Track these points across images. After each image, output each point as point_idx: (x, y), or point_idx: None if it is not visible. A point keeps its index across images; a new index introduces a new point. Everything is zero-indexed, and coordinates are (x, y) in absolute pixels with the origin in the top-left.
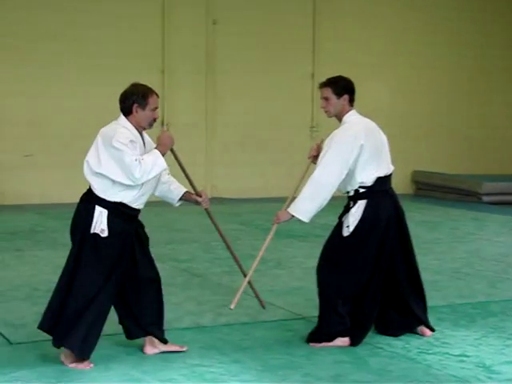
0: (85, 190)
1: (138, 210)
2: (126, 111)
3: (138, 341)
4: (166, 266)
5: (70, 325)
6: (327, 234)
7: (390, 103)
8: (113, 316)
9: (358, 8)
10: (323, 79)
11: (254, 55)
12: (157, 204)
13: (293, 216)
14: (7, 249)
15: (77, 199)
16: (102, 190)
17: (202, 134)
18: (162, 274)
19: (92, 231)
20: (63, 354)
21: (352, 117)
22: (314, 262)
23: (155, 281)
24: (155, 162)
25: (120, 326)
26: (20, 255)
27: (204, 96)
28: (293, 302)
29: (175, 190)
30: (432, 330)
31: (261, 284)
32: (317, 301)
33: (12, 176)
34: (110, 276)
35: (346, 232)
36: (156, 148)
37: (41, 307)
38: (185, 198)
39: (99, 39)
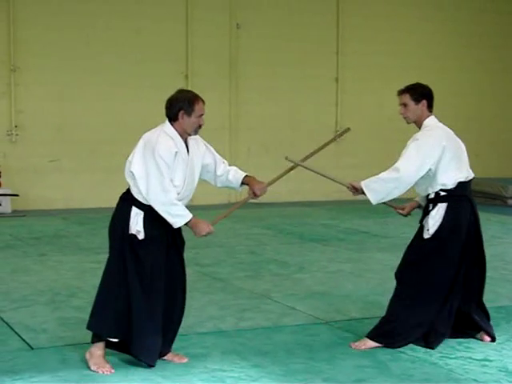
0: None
1: None
2: (172, 117)
3: None
4: (190, 271)
5: (141, 333)
6: (350, 237)
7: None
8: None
9: (382, 9)
10: (347, 82)
11: (277, 58)
12: None
13: (363, 192)
14: (31, 253)
15: (101, 204)
16: (138, 192)
17: (225, 138)
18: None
19: (130, 232)
20: (89, 352)
21: (432, 121)
22: (336, 266)
23: (184, 291)
24: (178, 214)
25: None
26: (43, 260)
27: (228, 100)
28: (315, 306)
29: (233, 178)
30: (493, 339)
31: (283, 288)
32: (339, 305)
33: (37, 181)
34: (153, 280)
35: (426, 235)
36: (192, 218)
37: (62, 312)
38: (245, 182)
39: (123, 44)
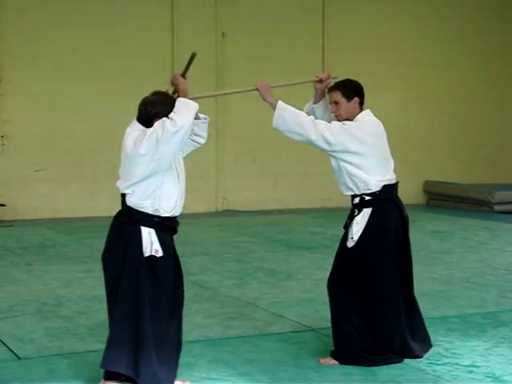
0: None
1: (177, 222)
2: (145, 122)
3: None
4: None
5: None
6: (336, 244)
7: (401, 112)
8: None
9: (368, 18)
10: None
11: (263, 67)
12: None
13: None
14: (18, 263)
15: (88, 213)
16: (143, 197)
17: (212, 146)
18: None
19: (146, 255)
20: None
21: (366, 117)
22: (324, 274)
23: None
24: (188, 105)
25: None
26: (30, 270)
27: (214, 108)
28: (302, 313)
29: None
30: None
31: (271, 296)
32: (326, 312)
33: (24, 190)
34: (173, 298)
35: (350, 243)
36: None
37: (50, 322)
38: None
39: (109, 52)
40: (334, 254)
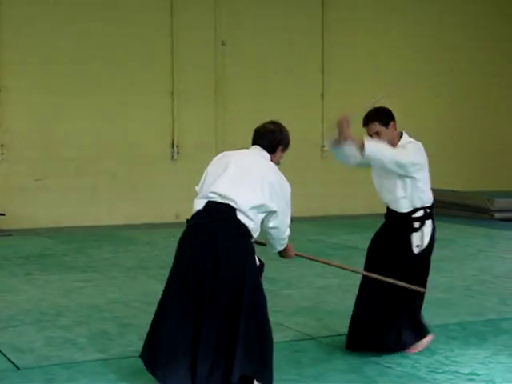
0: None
1: None
2: (270, 149)
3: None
4: None
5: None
6: (337, 253)
7: (400, 121)
8: None
9: (367, 27)
10: (333, 98)
11: (262, 75)
12: (166, 226)
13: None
14: (18, 273)
15: (87, 222)
16: (256, 228)
17: (212, 155)
18: None
19: (257, 264)
20: None
21: (409, 138)
22: (324, 282)
23: None
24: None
25: None
26: (30, 279)
27: (214, 117)
28: (303, 322)
29: None
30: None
31: (271, 304)
32: (326, 321)
33: (23, 200)
34: None
35: (416, 250)
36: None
37: (49, 331)
38: None
39: (109, 61)
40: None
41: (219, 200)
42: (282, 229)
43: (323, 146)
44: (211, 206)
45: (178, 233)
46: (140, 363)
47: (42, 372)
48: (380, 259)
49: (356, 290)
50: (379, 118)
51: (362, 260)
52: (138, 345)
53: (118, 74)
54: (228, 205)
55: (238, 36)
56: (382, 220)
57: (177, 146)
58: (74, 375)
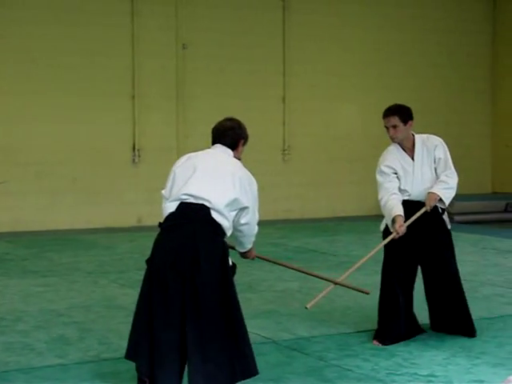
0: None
1: None
2: (232, 146)
3: None
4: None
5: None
6: (298, 256)
7: (362, 125)
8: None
9: (327, 30)
10: (294, 102)
11: (224, 79)
12: (128, 230)
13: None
14: None
15: (48, 227)
16: (229, 226)
17: (173, 159)
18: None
19: (230, 264)
20: None
21: (424, 135)
22: (284, 285)
23: None
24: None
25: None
26: None
27: (175, 120)
28: (263, 325)
29: None
30: None
31: None
32: (286, 324)
33: None
34: None
35: (449, 226)
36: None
37: (7, 337)
38: None
39: (70, 64)
40: (296, 264)
41: (193, 201)
42: (252, 225)
43: (285, 150)
44: (185, 207)
45: (140, 237)
46: (99, 368)
47: (0, 378)
48: (419, 246)
49: (316, 293)
50: (400, 114)
51: (323, 263)
52: (98, 350)
53: (79, 76)
54: (202, 205)
55: (199, 40)
56: (342, 223)
57: (138, 150)
58: (32, 380)
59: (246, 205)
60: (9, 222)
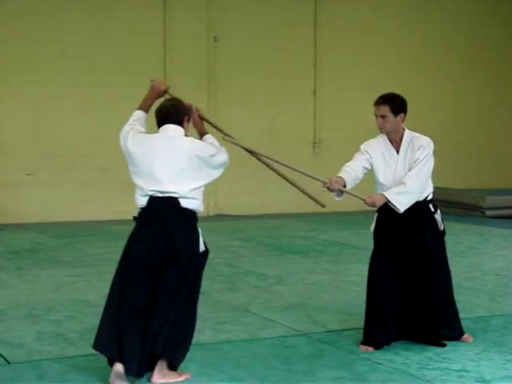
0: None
1: None
2: (178, 122)
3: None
4: None
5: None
6: (328, 249)
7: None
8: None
9: (360, 21)
10: (325, 94)
11: (255, 70)
12: None
13: (388, 201)
14: (8, 268)
15: (78, 217)
16: (199, 204)
17: None
18: None
19: (201, 250)
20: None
21: (414, 133)
22: (315, 278)
23: None
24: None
25: None
26: (20, 274)
27: (206, 112)
28: (293, 318)
29: None
30: None
31: (262, 300)
32: (317, 317)
33: (14, 194)
34: None
35: (441, 227)
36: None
37: (40, 326)
38: None
39: (102, 56)
40: (326, 258)
41: (160, 195)
42: (223, 163)
43: (315, 143)
44: (154, 201)
45: None
46: None
47: (33, 366)
48: (408, 245)
49: (347, 286)
50: (392, 104)
51: (353, 256)
52: None
53: (109, 68)
54: (170, 197)
55: (230, 32)
56: (371, 217)
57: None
58: (65, 370)
59: (211, 179)
60: (39, 212)
